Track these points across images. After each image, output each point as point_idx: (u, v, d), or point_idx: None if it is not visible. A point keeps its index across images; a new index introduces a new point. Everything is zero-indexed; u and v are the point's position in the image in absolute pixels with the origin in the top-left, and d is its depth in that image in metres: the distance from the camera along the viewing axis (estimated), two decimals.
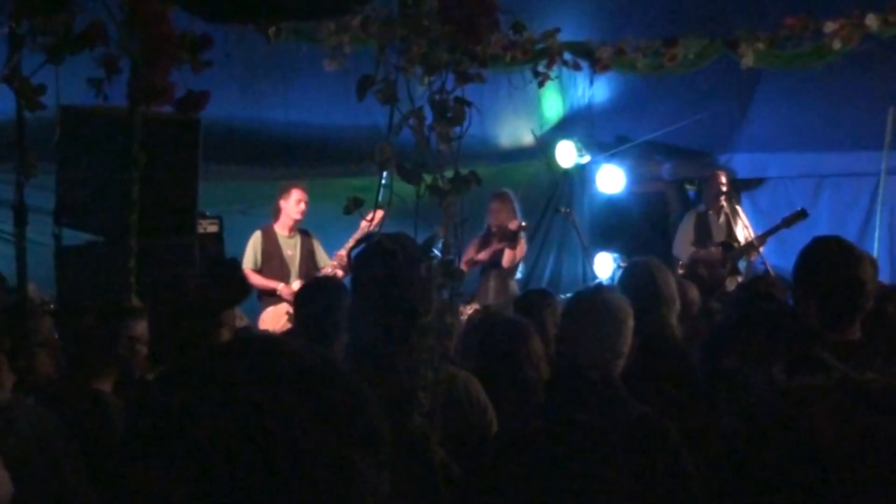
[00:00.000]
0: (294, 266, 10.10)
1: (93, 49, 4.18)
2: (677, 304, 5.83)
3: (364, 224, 9.80)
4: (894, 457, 2.24)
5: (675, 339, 5.71)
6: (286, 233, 10.20)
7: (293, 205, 10.17)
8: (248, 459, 1.31)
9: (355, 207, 3.12)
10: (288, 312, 9.01)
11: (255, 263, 10.07)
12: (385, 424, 1.44)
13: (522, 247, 10.91)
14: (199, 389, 1.37)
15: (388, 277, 3.53)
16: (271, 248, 10.12)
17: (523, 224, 10.82)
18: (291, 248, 10.16)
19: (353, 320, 3.91)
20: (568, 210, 12.09)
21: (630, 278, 5.99)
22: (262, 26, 7.12)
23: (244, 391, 1.35)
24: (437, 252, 3.42)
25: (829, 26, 8.99)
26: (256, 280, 9.88)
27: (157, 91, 3.78)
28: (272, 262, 10.10)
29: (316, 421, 1.35)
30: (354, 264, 3.84)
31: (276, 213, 10.26)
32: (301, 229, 10.30)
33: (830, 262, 4.42)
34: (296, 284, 9.49)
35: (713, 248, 10.90)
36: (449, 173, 2.85)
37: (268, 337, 1.53)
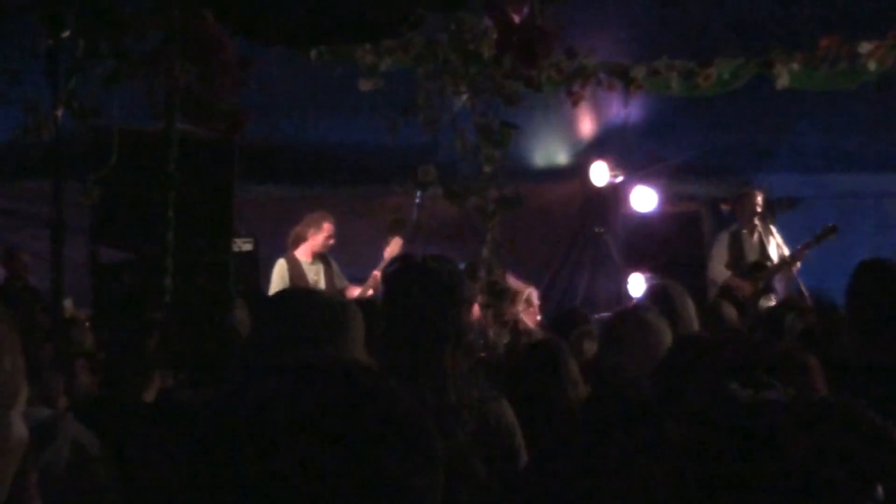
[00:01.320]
0: None
1: (156, 73, 4.21)
2: (695, 327, 5.82)
3: (388, 250, 9.80)
4: (854, 467, 2.27)
5: None
6: (308, 259, 10.08)
7: (322, 239, 10.05)
8: (312, 489, 1.30)
9: (397, 228, 3.13)
10: None
11: None
12: (441, 445, 1.43)
13: None
14: (256, 414, 1.36)
15: (424, 299, 3.51)
16: (297, 275, 9.96)
17: None
18: (315, 274, 10.03)
19: (384, 341, 3.87)
20: (601, 230, 12.08)
21: (649, 301, 5.97)
22: (304, 48, 7.16)
23: (313, 422, 1.34)
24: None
25: (865, 47, 8.95)
26: None
27: (218, 113, 3.81)
28: None
29: (379, 447, 1.35)
30: (389, 283, 3.81)
31: (298, 240, 10.11)
32: (321, 254, 10.19)
33: (883, 285, 4.40)
34: None
35: (745, 277, 10.84)
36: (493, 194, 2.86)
37: (334, 363, 1.50)
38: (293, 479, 1.30)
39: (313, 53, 7.78)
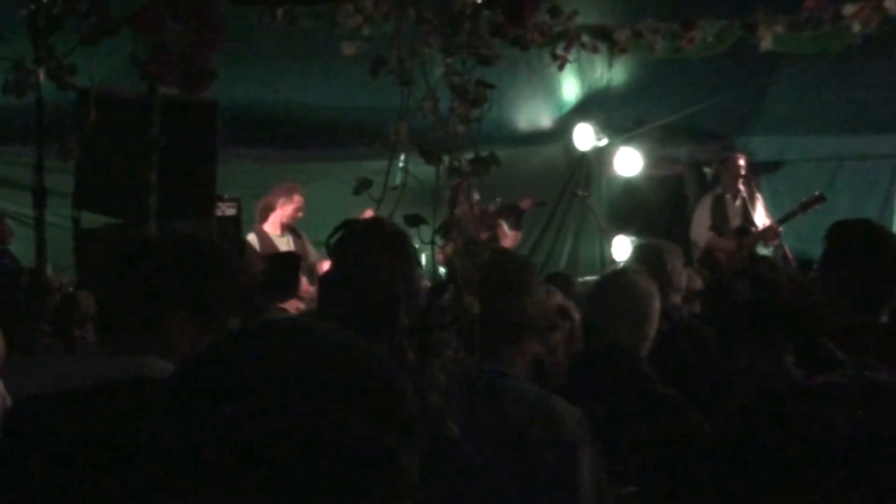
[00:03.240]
0: None
1: (140, 32, 4.16)
2: (679, 285, 5.83)
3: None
4: None
5: (683, 321, 5.70)
6: (277, 232, 9.96)
7: (292, 211, 9.94)
8: (284, 453, 1.30)
9: (364, 188, 3.10)
10: (297, 308, 8.85)
11: None
12: (417, 408, 1.42)
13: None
14: (228, 376, 1.36)
15: (368, 261, 3.49)
16: (268, 249, 9.66)
17: (536, 203, 10.77)
18: (286, 246, 9.85)
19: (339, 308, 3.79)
20: (585, 193, 12.09)
21: (639, 260, 5.98)
22: (274, 8, 7.09)
23: (280, 381, 1.33)
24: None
25: (849, 9, 8.94)
26: None
27: (204, 74, 3.76)
28: None
29: (355, 411, 1.34)
30: (331, 252, 3.79)
31: (267, 211, 9.99)
32: (290, 227, 10.06)
33: (862, 245, 4.41)
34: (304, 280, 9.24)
35: (729, 238, 10.84)
36: (468, 155, 2.84)
37: (302, 322, 1.49)
38: (257, 437, 1.30)
39: (279, 13, 7.71)
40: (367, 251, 3.49)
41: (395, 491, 1.37)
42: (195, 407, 1.34)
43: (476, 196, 3.12)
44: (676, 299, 5.66)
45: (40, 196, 5.40)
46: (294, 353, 1.37)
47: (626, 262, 6.49)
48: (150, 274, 2.78)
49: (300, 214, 9.98)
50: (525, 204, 10.83)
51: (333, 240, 3.69)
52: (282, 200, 9.97)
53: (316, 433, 1.31)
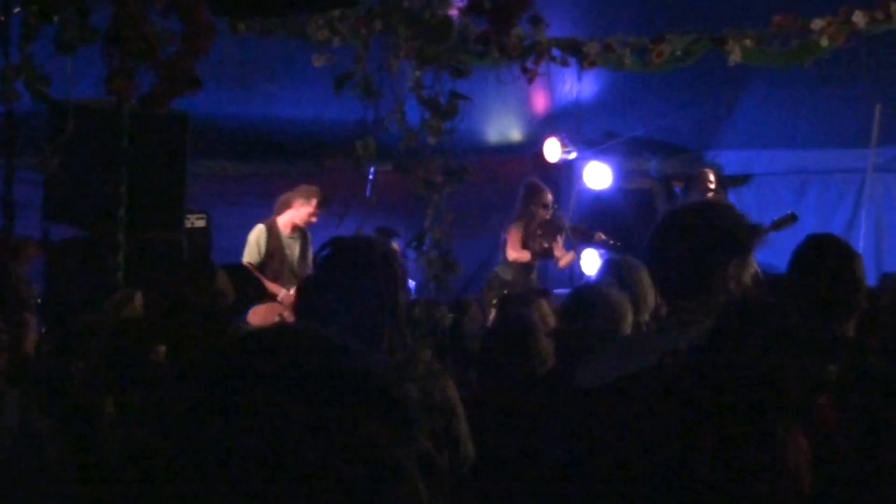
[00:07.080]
0: (294, 266, 9.91)
1: (127, 42, 4.12)
2: (649, 303, 5.85)
3: None
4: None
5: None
6: (289, 231, 9.94)
7: (307, 215, 9.89)
8: (296, 460, 1.29)
9: (326, 204, 3.10)
10: (280, 314, 8.86)
11: (259, 258, 9.80)
12: (418, 415, 1.43)
13: None
14: (241, 387, 1.35)
15: (356, 280, 3.48)
16: (274, 244, 9.84)
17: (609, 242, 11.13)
18: (291, 248, 9.91)
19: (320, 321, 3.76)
20: (555, 206, 12.11)
21: (611, 275, 5.99)
22: (235, 21, 7.06)
23: (296, 388, 1.33)
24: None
25: (817, 23, 8.99)
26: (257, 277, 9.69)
27: (188, 80, 3.72)
28: (273, 259, 9.83)
29: (368, 420, 1.34)
30: (320, 268, 3.77)
31: (283, 208, 9.95)
32: (300, 228, 10.04)
33: (827, 260, 4.46)
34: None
35: None
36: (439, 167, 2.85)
37: (312, 330, 1.49)
38: (278, 457, 1.30)
39: (241, 26, 7.69)
40: (355, 270, 3.47)
41: (401, 501, 1.37)
42: (203, 405, 1.34)
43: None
44: (646, 316, 5.68)
45: (9, 208, 5.37)
46: (311, 364, 1.37)
47: (598, 276, 6.51)
48: None
49: (314, 219, 9.88)
50: (599, 237, 11.13)
51: (322, 255, 3.66)
52: (300, 201, 9.92)
53: (327, 441, 1.31)
